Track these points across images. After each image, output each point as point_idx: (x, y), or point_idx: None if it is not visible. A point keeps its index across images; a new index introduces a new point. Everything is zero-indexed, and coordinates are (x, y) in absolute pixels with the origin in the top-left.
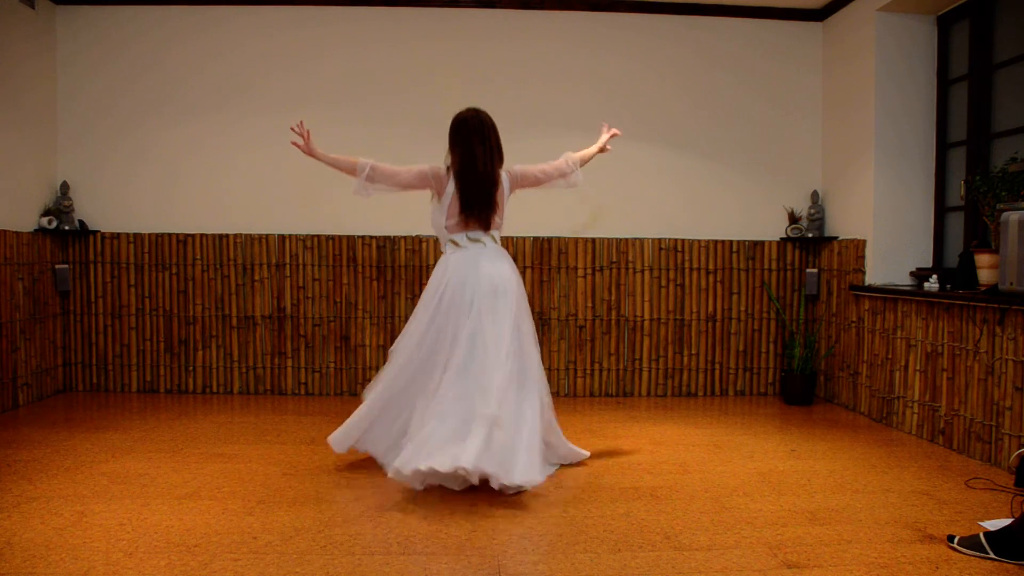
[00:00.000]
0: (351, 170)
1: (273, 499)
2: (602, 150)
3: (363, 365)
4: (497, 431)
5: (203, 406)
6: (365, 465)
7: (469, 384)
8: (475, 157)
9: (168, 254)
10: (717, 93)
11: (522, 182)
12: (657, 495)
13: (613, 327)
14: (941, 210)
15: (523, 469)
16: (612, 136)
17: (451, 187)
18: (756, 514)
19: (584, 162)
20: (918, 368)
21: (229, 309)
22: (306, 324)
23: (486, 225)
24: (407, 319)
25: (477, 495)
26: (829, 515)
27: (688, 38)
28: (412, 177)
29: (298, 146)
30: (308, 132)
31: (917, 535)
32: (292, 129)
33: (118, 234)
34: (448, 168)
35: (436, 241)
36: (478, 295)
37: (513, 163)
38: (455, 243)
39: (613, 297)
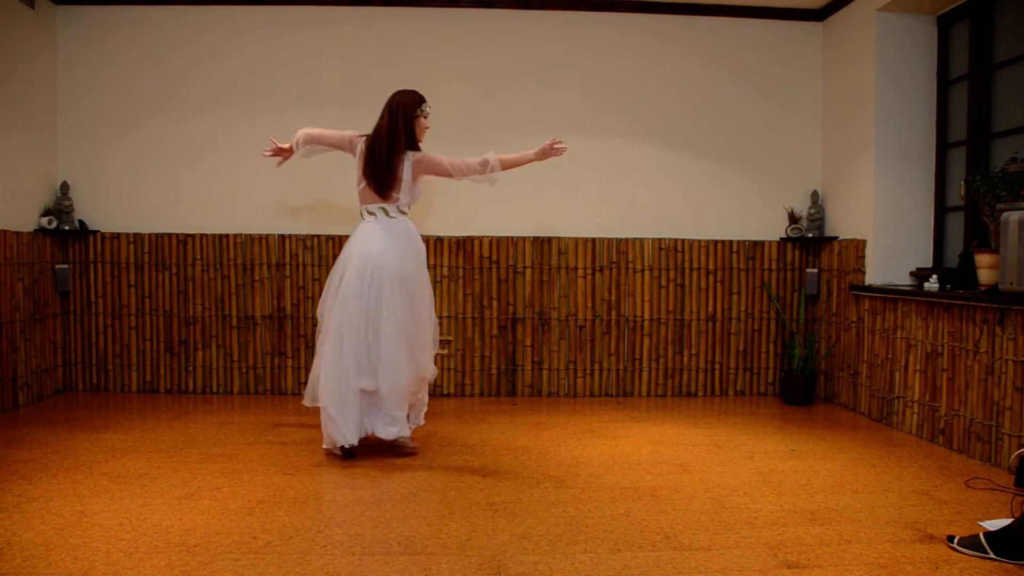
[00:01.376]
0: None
1: (273, 499)
2: (543, 157)
3: None
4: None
5: (203, 406)
6: (365, 465)
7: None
8: (379, 128)
9: (168, 254)
10: (717, 93)
11: (428, 168)
12: (657, 495)
13: (613, 327)
14: (941, 210)
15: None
16: (554, 146)
17: (359, 151)
18: (756, 514)
19: (509, 166)
20: (918, 368)
21: (229, 309)
22: (306, 324)
23: (382, 195)
24: None
25: (476, 494)
26: (829, 515)
27: (688, 39)
28: (335, 137)
29: (283, 154)
30: (274, 143)
31: (917, 535)
32: (264, 154)
33: (118, 234)
34: (363, 134)
35: (436, 240)
36: (367, 271)
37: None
38: (361, 215)
39: (613, 297)
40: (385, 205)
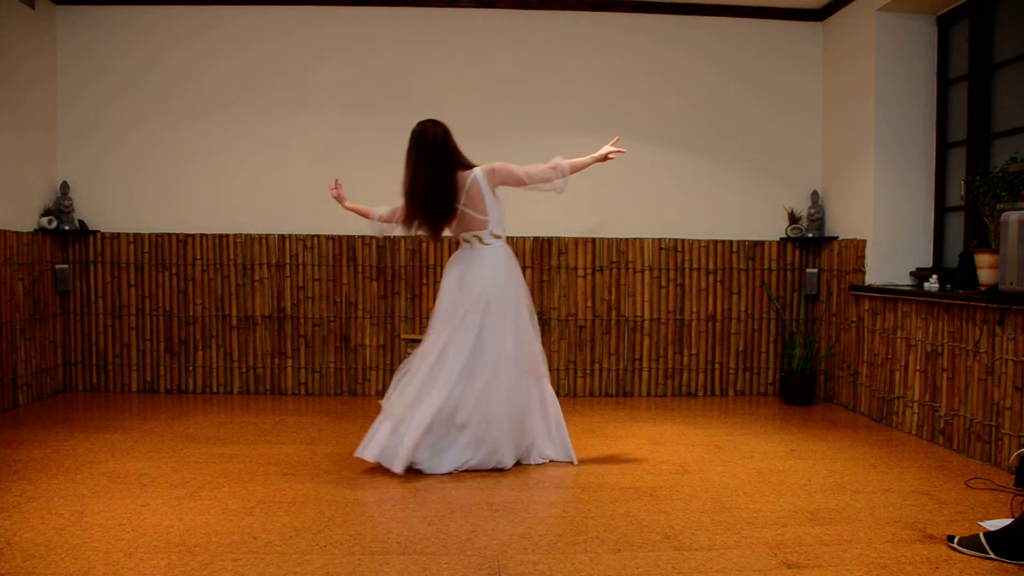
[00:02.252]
0: (367, 215)
1: (273, 499)
2: (603, 159)
3: (363, 365)
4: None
5: (203, 406)
6: (365, 465)
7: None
8: (411, 183)
9: (168, 254)
10: (717, 93)
11: (503, 179)
12: (657, 495)
13: (613, 327)
14: (941, 210)
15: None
16: (615, 150)
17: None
18: (756, 514)
19: (576, 170)
20: (918, 368)
21: (229, 309)
22: (306, 324)
23: (436, 238)
24: (407, 319)
25: (476, 494)
26: (829, 515)
27: (688, 38)
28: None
29: (338, 198)
30: (340, 188)
31: (917, 535)
32: (329, 186)
33: (118, 234)
34: None
35: (436, 241)
36: (452, 298)
37: (508, 162)
38: (459, 243)
39: (613, 297)
40: (478, 233)
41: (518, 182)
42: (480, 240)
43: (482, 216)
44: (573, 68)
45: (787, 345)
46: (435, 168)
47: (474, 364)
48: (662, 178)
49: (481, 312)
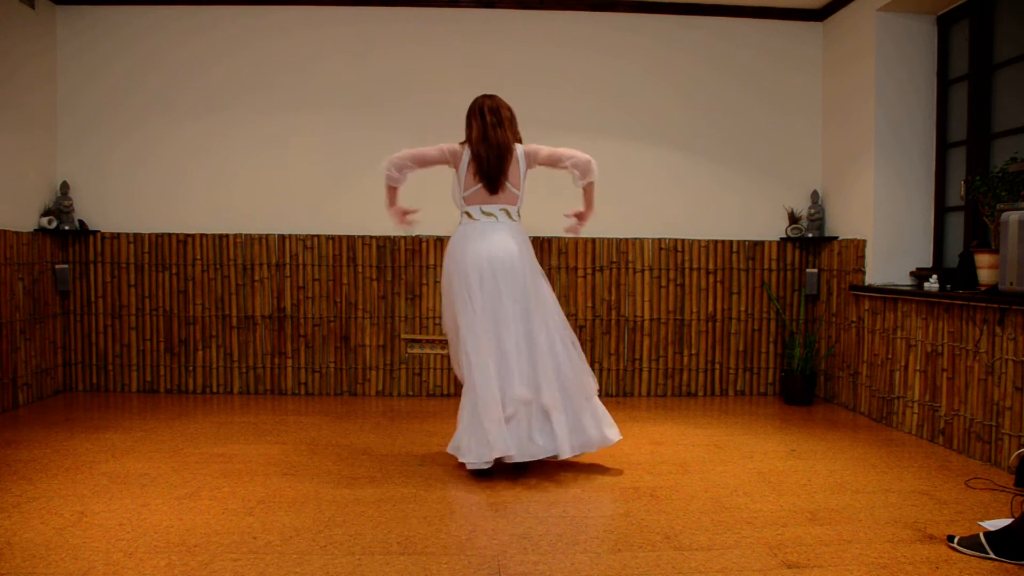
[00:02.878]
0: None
1: (273, 499)
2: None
3: (363, 365)
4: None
5: (203, 406)
6: (365, 465)
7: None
8: (485, 126)
9: (168, 254)
10: (717, 93)
11: (534, 159)
12: (657, 495)
13: (613, 327)
14: (941, 210)
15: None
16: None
17: (465, 159)
18: (756, 514)
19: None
20: (918, 368)
21: (229, 309)
22: (306, 324)
23: (494, 189)
24: (407, 319)
25: (476, 494)
26: (829, 515)
27: (688, 38)
28: (435, 152)
29: (408, 212)
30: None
31: (917, 535)
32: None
33: (118, 234)
34: (462, 143)
35: (436, 241)
36: (484, 271)
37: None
38: (469, 215)
39: (613, 297)
40: (508, 207)
41: (548, 158)
42: (509, 215)
43: (516, 190)
44: (573, 68)
45: (787, 345)
46: (506, 124)
47: (561, 337)
48: (662, 178)
49: (537, 282)
